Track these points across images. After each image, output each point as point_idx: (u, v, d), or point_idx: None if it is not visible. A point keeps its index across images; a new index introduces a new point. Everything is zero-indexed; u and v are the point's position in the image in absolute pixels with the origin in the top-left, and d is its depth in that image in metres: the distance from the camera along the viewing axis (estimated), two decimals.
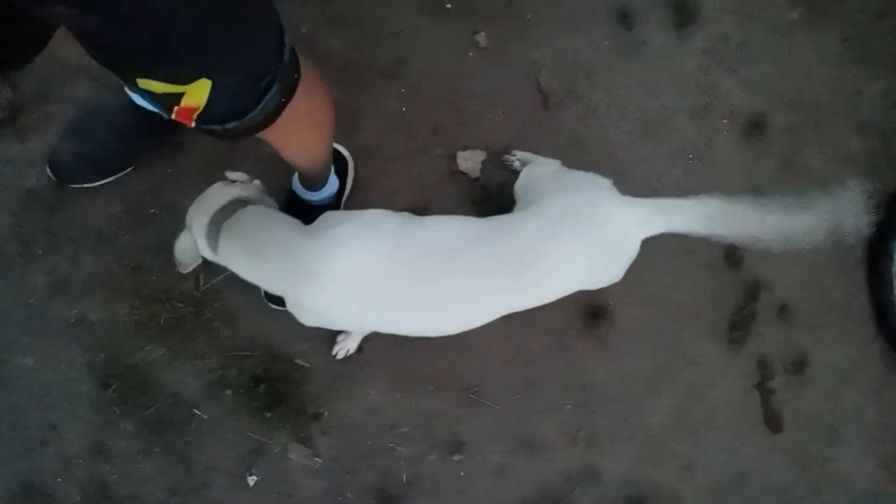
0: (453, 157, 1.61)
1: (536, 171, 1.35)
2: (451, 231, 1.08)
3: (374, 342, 1.52)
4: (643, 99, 1.70)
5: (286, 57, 0.77)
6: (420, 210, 1.58)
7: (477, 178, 1.61)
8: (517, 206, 1.28)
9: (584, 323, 1.64)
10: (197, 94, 0.70)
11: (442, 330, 1.17)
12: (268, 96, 0.77)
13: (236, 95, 0.75)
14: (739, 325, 1.71)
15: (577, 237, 1.08)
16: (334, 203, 1.43)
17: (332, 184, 1.40)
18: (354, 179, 1.53)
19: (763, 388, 1.74)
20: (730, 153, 1.76)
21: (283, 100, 0.80)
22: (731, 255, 1.73)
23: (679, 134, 1.72)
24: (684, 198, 1.15)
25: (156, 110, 0.78)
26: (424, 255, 1.04)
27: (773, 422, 1.74)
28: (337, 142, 1.52)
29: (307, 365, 1.48)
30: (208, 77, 0.69)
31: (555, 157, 1.53)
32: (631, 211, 1.12)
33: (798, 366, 1.75)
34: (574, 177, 1.25)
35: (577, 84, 1.69)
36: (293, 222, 1.09)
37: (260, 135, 0.86)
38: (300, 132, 0.97)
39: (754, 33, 1.81)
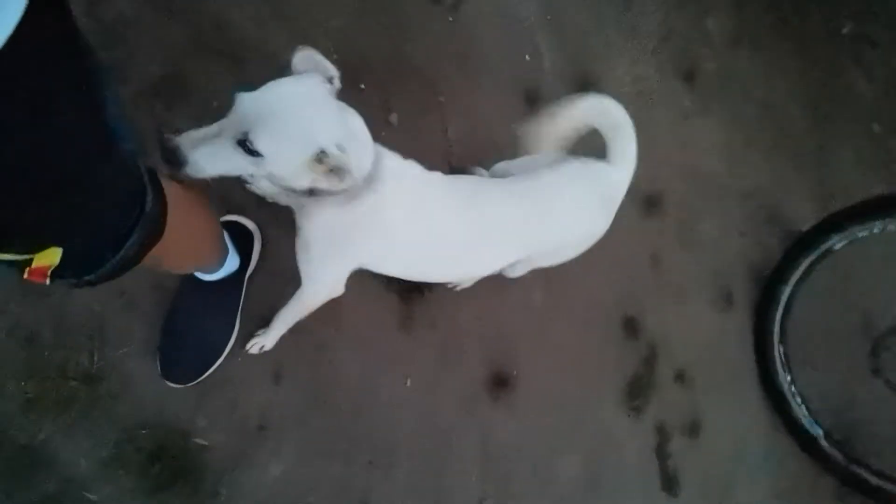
0: None
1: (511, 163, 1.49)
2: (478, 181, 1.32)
3: (280, 414, 1.52)
4: None
5: (148, 206, 0.75)
6: None
7: None
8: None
9: (491, 390, 1.68)
10: (47, 257, 0.67)
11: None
12: (128, 244, 0.75)
13: (91, 252, 0.73)
14: (639, 393, 1.80)
15: (587, 190, 1.31)
16: (237, 278, 1.43)
17: (232, 262, 1.39)
18: (267, 249, 1.54)
19: (661, 452, 1.82)
20: (628, 224, 1.88)
21: (147, 242, 0.78)
22: (629, 324, 1.83)
23: None
24: None
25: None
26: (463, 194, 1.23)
27: (670, 485, 1.83)
28: (246, 213, 1.54)
29: (205, 443, 1.45)
30: (58, 245, 0.66)
31: None
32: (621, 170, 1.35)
33: (693, 429, 1.85)
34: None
35: (486, 158, 1.77)
36: None
37: None
38: (175, 253, 0.96)
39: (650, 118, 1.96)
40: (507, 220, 1.24)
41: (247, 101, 0.92)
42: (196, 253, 1.10)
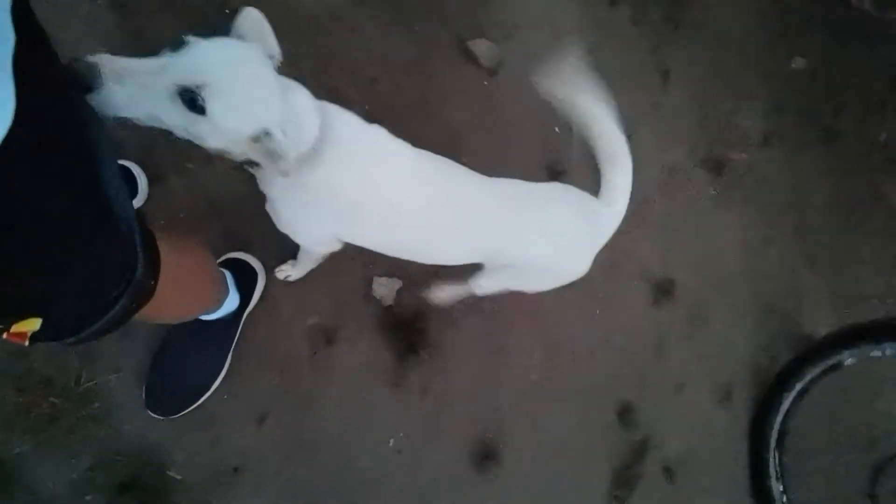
0: (371, 281, 1.64)
1: None
2: (454, 165, 1.16)
3: (258, 458, 1.50)
4: None
5: (139, 272, 0.72)
6: (329, 329, 1.60)
7: (390, 306, 1.63)
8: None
9: (475, 461, 1.65)
10: (26, 325, 0.65)
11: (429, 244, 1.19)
12: (114, 310, 0.72)
13: (75, 319, 0.71)
14: (624, 482, 1.75)
15: (572, 219, 1.21)
16: (235, 318, 1.43)
17: (231, 302, 1.38)
18: (269, 287, 1.53)
19: None
20: (637, 310, 1.85)
21: (135, 306, 0.75)
22: (625, 410, 1.79)
23: (592, 283, 1.77)
24: None
25: None
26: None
27: None
28: (256, 253, 1.54)
29: (179, 477, 1.43)
30: (39, 316, 0.64)
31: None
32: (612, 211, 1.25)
33: None
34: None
35: None
36: None
37: None
38: (168, 309, 0.93)
39: (674, 204, 1.94)
40: (477, 210, 1.13)
41: (203, 51, 0.81)
42: (190, 306, 1.09)
